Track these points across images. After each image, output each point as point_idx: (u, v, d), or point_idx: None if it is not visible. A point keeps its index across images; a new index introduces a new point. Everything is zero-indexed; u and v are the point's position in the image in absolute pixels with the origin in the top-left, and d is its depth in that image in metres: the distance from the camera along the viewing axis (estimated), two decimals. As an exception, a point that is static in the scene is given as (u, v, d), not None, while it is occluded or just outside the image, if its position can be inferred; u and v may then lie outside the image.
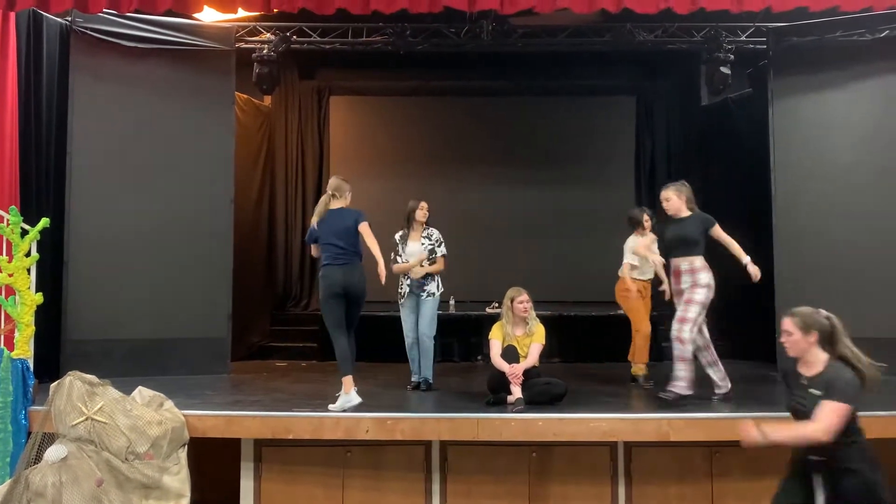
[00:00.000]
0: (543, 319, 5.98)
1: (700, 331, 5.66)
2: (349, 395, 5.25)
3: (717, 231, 5.72)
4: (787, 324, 3.50)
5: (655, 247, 6.35)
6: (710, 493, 5.22)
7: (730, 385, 5.79)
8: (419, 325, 6.31)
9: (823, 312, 3.50)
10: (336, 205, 5.68)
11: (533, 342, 5.76)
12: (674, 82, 10.44)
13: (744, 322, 8.77)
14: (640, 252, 6.39)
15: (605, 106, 10.72)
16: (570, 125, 10.41)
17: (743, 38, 8.31)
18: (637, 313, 6.65)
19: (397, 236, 6.54)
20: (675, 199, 5.81)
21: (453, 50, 8.68)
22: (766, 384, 6.92)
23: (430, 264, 6.36)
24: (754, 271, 5.61)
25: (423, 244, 6.41)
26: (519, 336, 5.76)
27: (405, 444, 5.21)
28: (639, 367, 6.65)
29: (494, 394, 5.70)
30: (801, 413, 3.41)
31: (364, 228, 5.51)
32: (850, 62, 7.36)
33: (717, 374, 5.81)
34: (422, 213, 6.46)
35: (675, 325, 5.58)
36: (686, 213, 5.81)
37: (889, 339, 6.94)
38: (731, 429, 5.01)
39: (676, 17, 6.75)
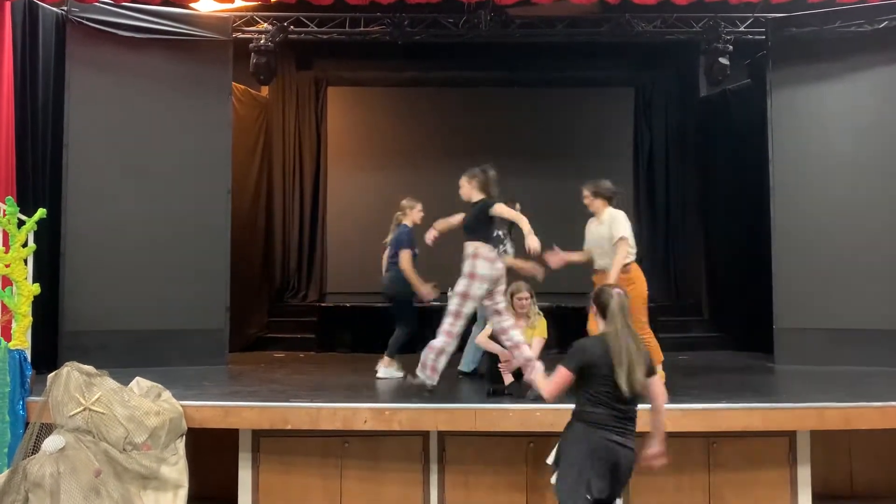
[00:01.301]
0: (541, 311, 5.99)
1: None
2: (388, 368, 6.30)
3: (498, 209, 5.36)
4: None
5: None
6: (708, 483, 5.22)
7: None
8: None
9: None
10: (402, 220, 6.72)
11: (535, 335, 5.76)
12: (672, 73, 10.43)
13: (740, 313, 8.79)
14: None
15: (604, 97, 10.69)
16: (567, 116, 10.39)
17: (742, 28, 8.29)
18: None
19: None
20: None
21: (451, 40, 8.65)
22: (762, 374, 6.96)
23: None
24: (534, 244, 5.06)
25: None
26: (521, 328, 5.75)
27: (403, 435, 5.21)
28: None
29: (493, 383, 5.71)
30: None
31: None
32: (848, 53, 7.35)
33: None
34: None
35: None
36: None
37: (887, 330, 6.98)
38: (729, 419, 5.04)
39: (675, 7, 6.74)
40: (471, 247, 5.34)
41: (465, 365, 6.66)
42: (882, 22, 7.20)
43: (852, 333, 7.08)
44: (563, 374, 3.69)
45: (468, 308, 5.36)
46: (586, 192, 5.76)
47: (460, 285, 5.31)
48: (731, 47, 8.35)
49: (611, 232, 5.55)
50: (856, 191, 7.24)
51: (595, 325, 6.23)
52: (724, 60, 8.38)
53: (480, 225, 5.38)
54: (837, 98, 7.46)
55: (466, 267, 5.31)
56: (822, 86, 7.50)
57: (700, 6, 6.90)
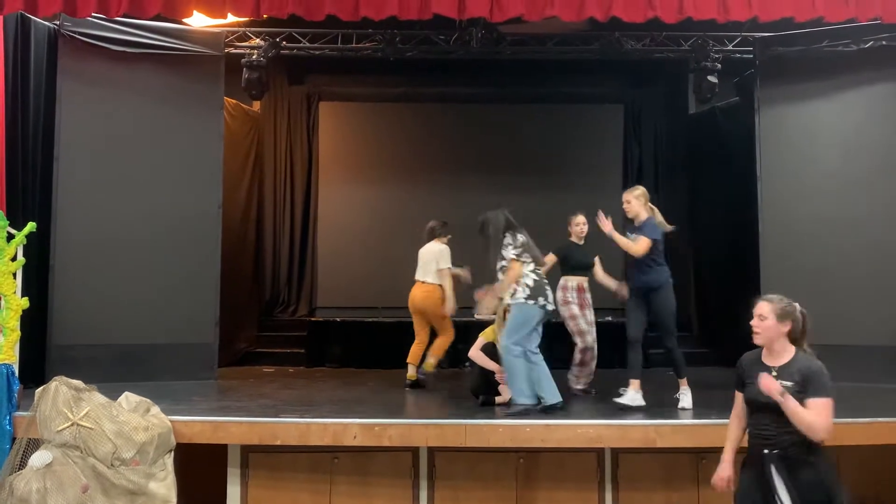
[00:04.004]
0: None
1: None
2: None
3: None
4: (764, 308, 3.37)
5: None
6: (697, 499, 5.23)
7: None
8: None
9: (798, 305, 3.42)
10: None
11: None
12: (661, 91, 10.50)
13: (728, 329, 8.82)
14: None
15: (593, 114, 10.75)
16: (558, 133, 10.44)
17: (730, 47, 8.39)
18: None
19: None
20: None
21: (442, 57, 8.72)
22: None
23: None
24: None
25: None
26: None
27: (393, 451, 5.20)
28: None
29: (477, 396, 5.74)
30: (763, 403, 3.29)
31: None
32: (835, 72, 7.45)
33: None
34: None
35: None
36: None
37: (877, 346, 7.02)
38: (718, 435, 5.04)
39: (664, 25, 6.80)
40: None
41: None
42: (868, 42, 7.32)
43: (840, 350, 7.09)
44: (833, 405, 3.29)
45: None
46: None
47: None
48: (719, 65, 8.45)
49: None
50: (843, 207, 7.31)
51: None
52: (712, 78, 8.48)
53: None
54: (824, 116, 7.55)
55: None
56: (810, 104, 7.59)
57: (688, 25, 6.96)
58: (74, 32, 6.98)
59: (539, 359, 5.46)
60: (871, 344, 7.03)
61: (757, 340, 3.39)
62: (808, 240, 7.37)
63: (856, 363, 6.98)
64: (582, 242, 6.72)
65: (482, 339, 5.97)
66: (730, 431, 3.57)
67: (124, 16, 6.29)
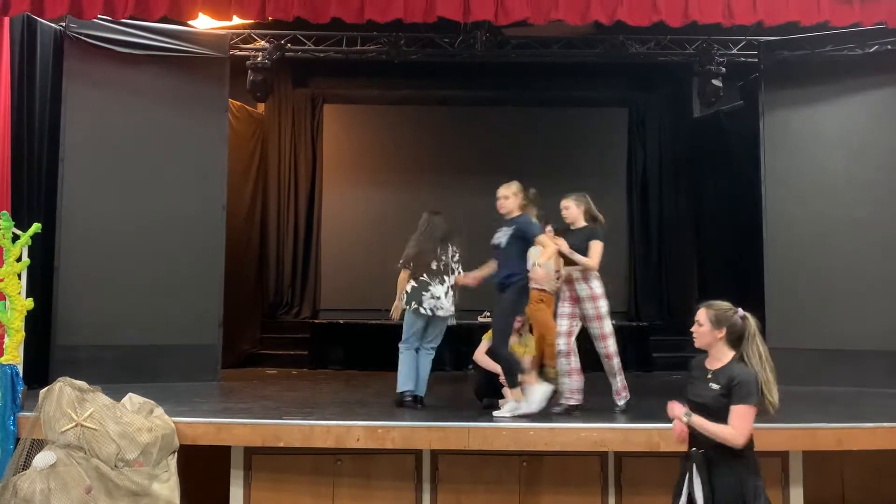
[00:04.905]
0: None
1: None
2: None
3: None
4: (701, 314, 3.49)
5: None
6: (700, 503, 5.22)
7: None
8: None
9: (741, 312, 3.46)
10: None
11: (526, 353, 5.80)
12: (666, 94, 10.51)
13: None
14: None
15: (598, 117, 10.76)
16: (562, 136, 10.45)
17: (734, 51, 8.38)
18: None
19: None
20: (574, 209, 5.77)
21: (447, 60, 8.72)
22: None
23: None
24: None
25: None
26: (513, 344, 5.78)
27: (396, 453, 5.20)
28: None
29: (481, 399, 5.75)
30: (697, 405, 3.40)
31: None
32: (840, 76, 7.44)
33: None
34: None
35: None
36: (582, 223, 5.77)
37: (882, 351, 7.00)
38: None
39: (669, 29, 6.80)
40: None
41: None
42: (872, 46, 7.32)
43: (845, 354, 7.11)
44: (754, 412, 3.33)
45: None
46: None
47: (604, 307, 5.57)
48: (723, 69, 8.44)
49: None
50: (847, 211, 7.29)
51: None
52: (717, 82, 8.46)
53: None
54: (829, 120, 7.54)
55: (598, 289, 5.57)
56: (814, 108, 7.58)
57: (693, 28, 6.97)
58: (80, 34, 7.00)
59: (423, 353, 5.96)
60: (877, 348, 7.02)
61: (696, 344, 3.55)
62: (812, 243, 7.36)
63: (861, 367, 6.98)
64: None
65: (486, 342, 5.97)
66: None
67: (130, 18, 6.31)
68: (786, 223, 7.47)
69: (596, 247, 5.59)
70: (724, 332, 3.42)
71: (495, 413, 5.33)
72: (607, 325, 5.65)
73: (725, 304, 3.49)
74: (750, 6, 6.08)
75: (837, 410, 5.74)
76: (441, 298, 5.85)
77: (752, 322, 3.42)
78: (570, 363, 5.63)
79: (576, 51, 8.64)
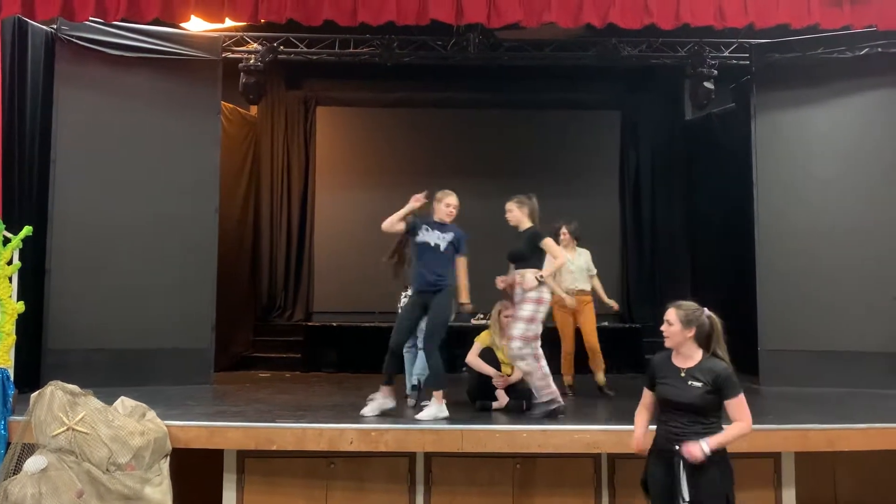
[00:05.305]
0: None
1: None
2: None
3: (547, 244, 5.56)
4: (671, 315, 3.62)
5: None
6: (693, 505, 5.23)
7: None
8: None
9: (707, 311, 3.62)
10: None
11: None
12: (658, 97, 10.53)
13: (726, 335, 8.81)
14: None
15: (590, 120, 10.77)
16: (554, 139, 10.46)
17: (726, 53, 8.42)
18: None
19: None
20: (517, 211, 5.72)
21: (440, 62, 8.73)
22: (747, 395, 6.96)
23: None
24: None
25: None
26: (505, 346, 5.79)
27: (389, 456, 5.19)
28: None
29: (474, 401, 5.76)
30: (677, 401, 3.53)
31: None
32: (831, 78, 7.48)
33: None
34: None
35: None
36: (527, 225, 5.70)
37: (872, 352, 7.04)
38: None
39: (661, 32, 6.83)
40: (529, 273, 5.45)
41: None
42: (863, 49, 7.35)
43: (836, 355, 7.14)
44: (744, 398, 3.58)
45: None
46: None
47: (526, 311, 5.39)
48: (715, 72, 8.49)
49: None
50: (839, 213, 7.33)
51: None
52: (708, 85, 8.50)
53: (535, 252, 5.53)
54: (820, 122, 7.57)
55: (534, 294, 5.40)
56: (806, 110, 7.62)
57: (685, 31, 7.00)
58: (72, 36, 6.97)
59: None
60: (867, 350, 7.05)
61: (666, 344, 3.66)
62: (804, 245, 7.39)
63: (852, 368, 7.01)
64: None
65: (479, 344, 5.99)
66: (638, 420, 3.83)
67: (122, 20, 6.30)
68: (777, 224, 7.50)
69: (549, 242, 5.58)
70: (693, 331, 3.58)
71: (417, 416, 5.34)
72: (518, 328, 5.45)
73: (693, 304, 3.66)
74: (741, 8, 6.10)
75: (829, 411, 5.77)
76: None
77: (716, 320, 3.61)
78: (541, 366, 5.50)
79: (568, 53, 8.67)
